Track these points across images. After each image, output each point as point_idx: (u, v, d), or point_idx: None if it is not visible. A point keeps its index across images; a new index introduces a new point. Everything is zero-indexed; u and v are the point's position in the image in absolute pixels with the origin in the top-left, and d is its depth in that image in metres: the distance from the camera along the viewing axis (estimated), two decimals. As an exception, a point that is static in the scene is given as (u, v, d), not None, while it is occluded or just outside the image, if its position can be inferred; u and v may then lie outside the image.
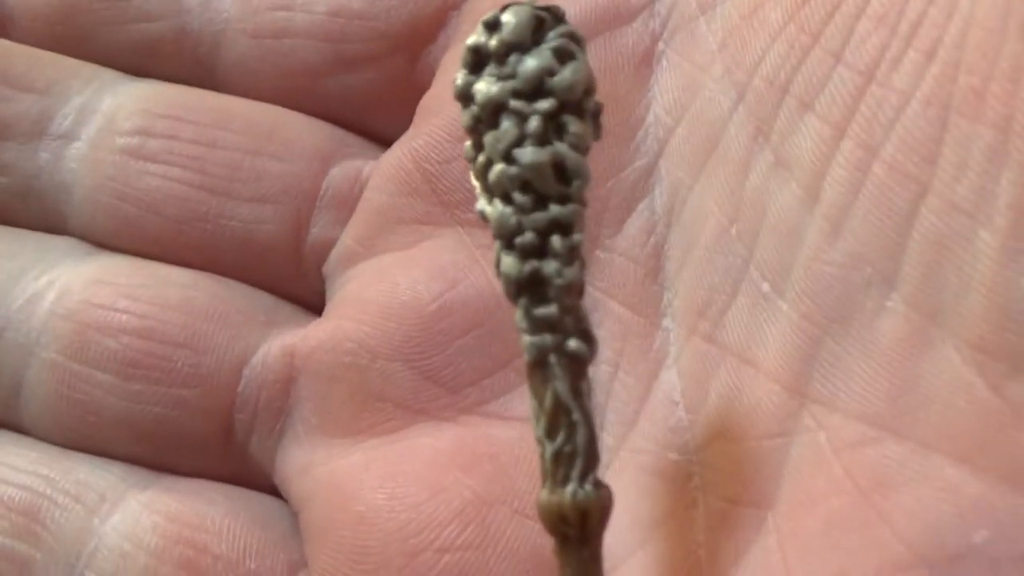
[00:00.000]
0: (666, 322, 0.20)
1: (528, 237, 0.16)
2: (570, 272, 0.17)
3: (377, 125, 0.24)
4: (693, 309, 0.19)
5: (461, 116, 0.17)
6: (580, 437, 0.16)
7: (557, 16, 0.17)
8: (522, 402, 0.20)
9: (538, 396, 0.17)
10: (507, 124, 0.17)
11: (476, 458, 0.20)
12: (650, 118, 0.21)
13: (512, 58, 0.17)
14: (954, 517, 0.15)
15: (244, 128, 0.24)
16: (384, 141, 0.24)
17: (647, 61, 0.21)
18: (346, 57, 0.24)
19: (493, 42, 0.17)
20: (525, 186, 0.16)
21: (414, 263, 0.22)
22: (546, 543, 0.19)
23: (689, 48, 0.21)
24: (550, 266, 0.16)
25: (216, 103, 0.24)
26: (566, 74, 0.17)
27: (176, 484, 0.22)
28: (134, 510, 0.21)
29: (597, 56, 0.21)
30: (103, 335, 0.22)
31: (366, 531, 0.20)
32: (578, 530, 0.16)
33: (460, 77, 0.17)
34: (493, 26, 0.17)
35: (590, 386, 0.17)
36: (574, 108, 0.17)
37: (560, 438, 0.16)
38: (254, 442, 0.22)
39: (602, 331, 0.20)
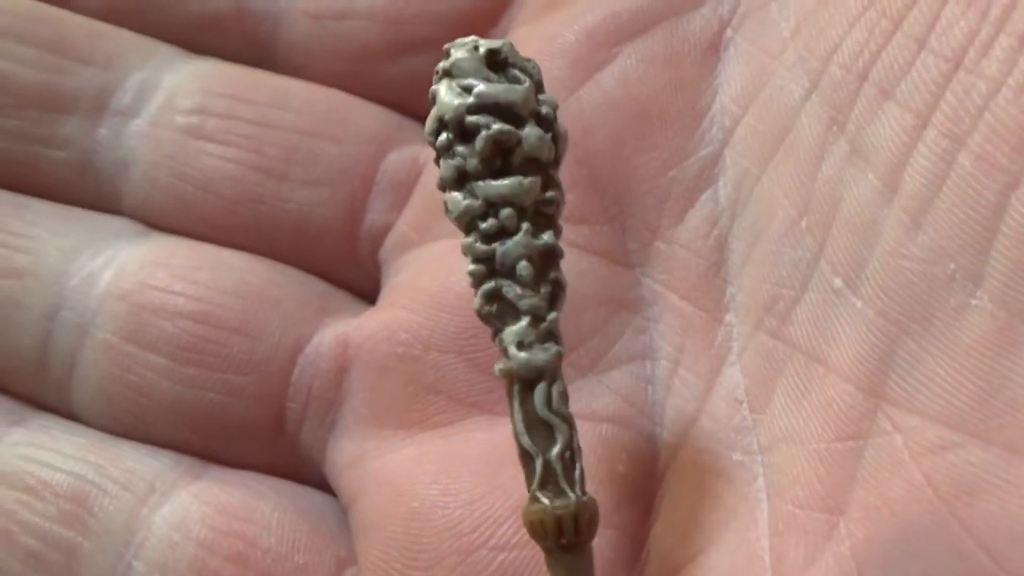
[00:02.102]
0: (729, 317, 0.19)
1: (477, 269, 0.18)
2: (529, 303, 0.18)
3: None
4: (759, 304, 0.19)
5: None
6: (559, 447, 0.17)
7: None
8: (579, 397, 0.20)
9: (519, 411, 0.17)
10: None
11: None
12: (716, 106, 0.20)
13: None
14: None
15: (302, 109, 0.23)
16: (443, 127, 0.24)
17: (714, 48, 0.21)
18: (406, 40, 0.24)
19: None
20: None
21: None
22: (603, 545, 0.19)
23: (759, 35, 0.20)
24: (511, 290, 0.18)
25: (274, 83, 0.24)
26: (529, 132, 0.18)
27: (226, 476, 0.21)
28: (184, 501, 0.21)
29: (662, 42, 0.21)
30: (159, 317, 0.22)
31: (419, 527, 0.19)
32: (556, 539, 0.17)
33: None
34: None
35: (564, 388, 0.17)
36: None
37: (543, 449, 0.17)
38: (305, 432, 0.22)
39: (661, 325, 0.20)
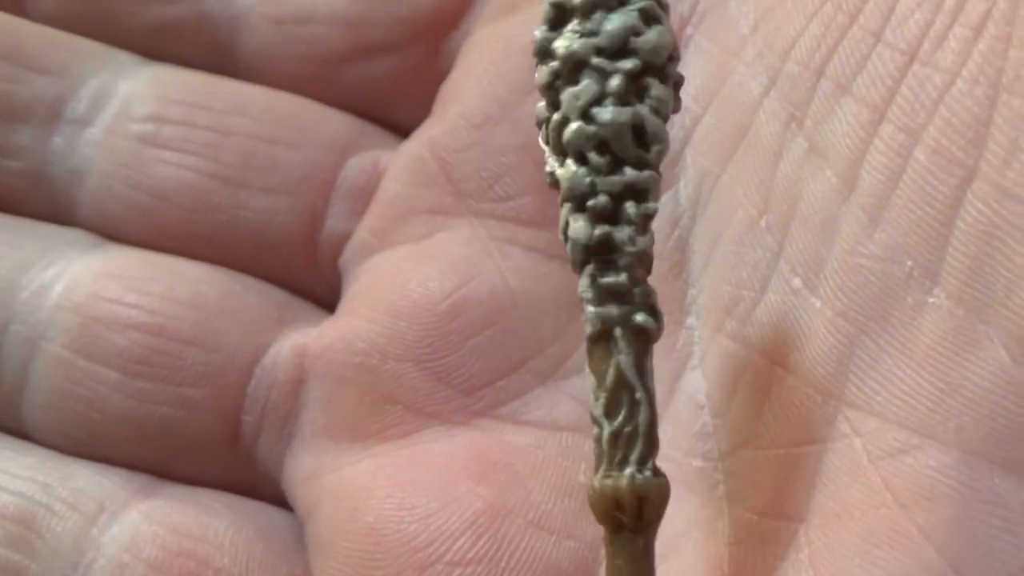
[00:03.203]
0: (690, 320, 0.19)
1: (601, 200, 0.16)
2: (643, 241, 0.16)
3: (398, 114, 0.24)
4: (719, 306, 0.18)
5: (537, 73, 0.16)
6: (642, 418, 0.16)
7: None
8: (539, 406, 0.19)
9: (598, 372, 0.16)
10: (588, 81, 0.16)
11: (489, 466, 0.19)
12: None
13: (596, 15, 0.16)
14: (1003, 533, 0.14)
15: (260, 116, 0.23)
16: (405, 130, 0.23)
17: None
18: (367, 44, 0.23)
19: None
20: (602, 147, 0.16)
21: (427, 257, 0.21)
22: (562, 557, 0.18)
23: (719, 32, 0.20)
24: (622, 232, 0.16)
25: (232, 89, 0.23)
26: (651, 36, 0.16)
27: (179, 493, 0.21)
28: (134, 520, 0.20)
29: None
30: (111, 330, 0.21)
31: (374, 543, 0.19)
32: (634, 518, 0.15)
33: (539, 32, 0.16)
34: None
35: (652, 366, 0.16)
36: (657, 71, 0.16)
37: (620, 418, 0.16)
38: (261, 445, 0.21)
39: None
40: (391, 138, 0.23)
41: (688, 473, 0.18)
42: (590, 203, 0.16)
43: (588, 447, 0.19)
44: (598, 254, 0.16)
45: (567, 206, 0.16)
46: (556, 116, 0.16)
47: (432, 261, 0.21)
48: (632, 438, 0.16)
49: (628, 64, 0.16)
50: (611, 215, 0.16)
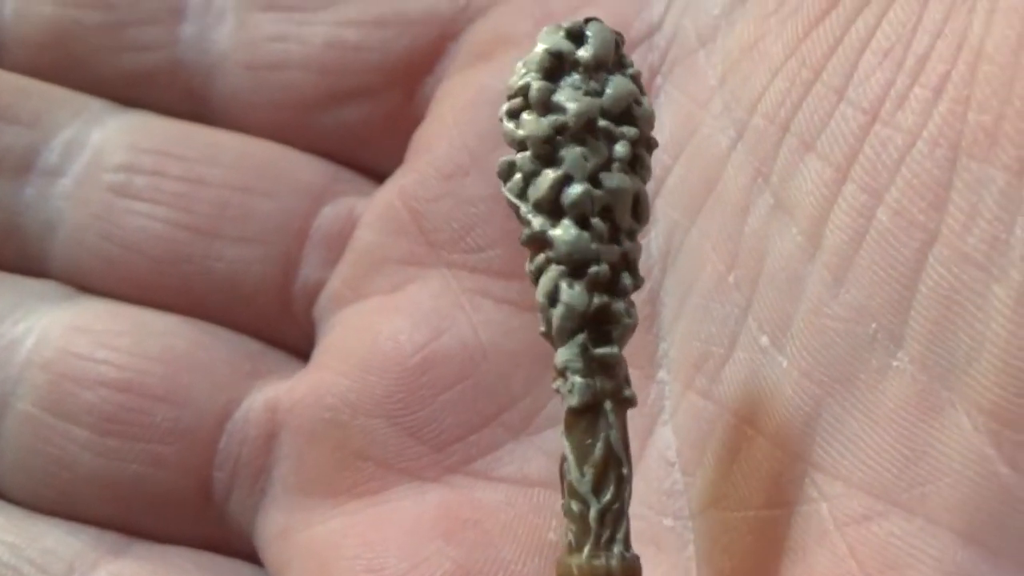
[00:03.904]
0: (661, 374, 0.19)
1: (604, 269, 0.15)
2: (635, 313, 0.16)
3: (373, 159, 0.23)
4: (689, 361, 0.18)
5: (529, 123, 0.16)
6: (627, 494, 0.15)
7: (624, 41, 0.17)
8: (510, 460, 0.19)
9: (583, 446, 0.15)
10: (599, 143, 0.16)
11: (460, 525, 0.19)
12: None
13: (599, 75, 0.16)
14: None
15: (233, 164, 0.23)
16: (380, 176, 0.23)
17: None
18: (342, 90, 0.23)
19: (583, 53, 0.16)
20: (605, 212, 0.16)
21: (398, 309, 0.21)
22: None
23: (688, 83, 0.20)
24: (619, 304, 0.16)
25: (205, 137, 0.23)
26: (647, 106, 0.16)
27: (148, 552, 0.21)
28: None
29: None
30: (80, 387, 0.21)
31: None
32: None
33: (535, 80, 0.16)
34: (577, 36, 0.16)
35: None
36: (647, 142, 0.16)
37: (609, 495, 0.15)
38: (234, 502, 0.21)
39: None
40: (366, 183, 0.23)
41: (659, 531, 0.18)
42: (592, 270, 0.15)
43: (559, 504, 0.19)
44: (594, 323, 0.15)
45: (558, 269, 0.16)
46: (554, 173, 0.16)
47: (403, 313, 0.21)
48: (619, 515, 0.15)
49: (631, 132, 0.16)
50: (610, 285, 0.15)
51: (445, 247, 0.21)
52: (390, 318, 0.21)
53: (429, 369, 0.20)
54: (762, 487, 0.16)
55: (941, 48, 0.15)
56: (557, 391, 0.16)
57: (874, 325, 0.16)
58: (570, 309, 0.15)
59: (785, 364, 0.17)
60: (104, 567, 0.20)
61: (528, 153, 0.16)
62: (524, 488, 0.19)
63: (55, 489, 0.21)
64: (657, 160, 0.19)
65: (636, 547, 0.18)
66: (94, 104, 0.24)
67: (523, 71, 0.16)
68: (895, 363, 0.15)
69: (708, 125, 0.19)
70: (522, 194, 0.16)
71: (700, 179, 0.19)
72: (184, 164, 0.23)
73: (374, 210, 0.22)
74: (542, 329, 0.16)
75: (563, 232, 0.15)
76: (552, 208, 0.16)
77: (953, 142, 0.15)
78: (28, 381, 0.21)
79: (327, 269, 0.22)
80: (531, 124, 0.16)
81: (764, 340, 0.17)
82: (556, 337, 0.16)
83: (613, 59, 0.16)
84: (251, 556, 0.21)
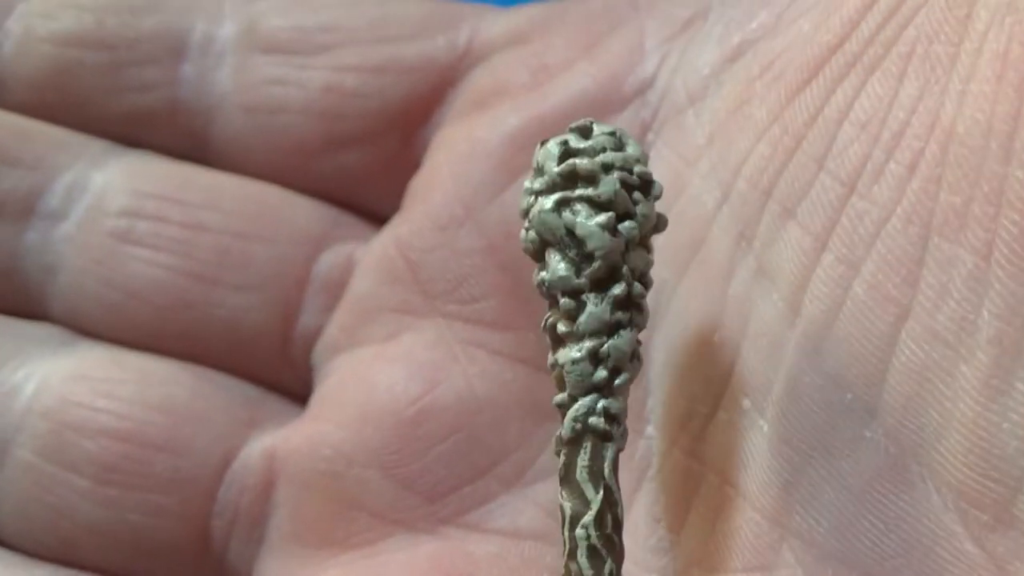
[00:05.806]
0: (649, 429, 0.19)
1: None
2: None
3: (372, 204, 0.24)
4: (675, 419, 0.18)
5: (606, 183, 0.17)
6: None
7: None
8: (503, 513, 0.20)
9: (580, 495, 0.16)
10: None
11: None
12: None
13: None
14: None
15: (234, 209, 0.23)
16: (379, 220, 0.23)
17: None
18: (340, 135, 0.23)
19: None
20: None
21: (393, 360, 0.21)
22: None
23: (677, 141, 0.20)
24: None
25: (206, 181, 0.23)
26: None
27: None
28: None
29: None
30: (80, 436, 0.21)
31: None
32: None
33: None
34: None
35: None
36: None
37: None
38: (232, 551, 0.21)
39: None
40: (366, 227, 0.23)
41: None
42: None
43: (549, 557, 0.19)
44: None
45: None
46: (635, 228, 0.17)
47: (398, 364, 0.21)
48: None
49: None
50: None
51: (439, 297, 0.21)
52: (386, 368, 0.21)
53: (424, 421, 0.20)
54: (741, 550, 0.17)
55: (916, 125, 0.16)
56: None
57: (850, 395, 0.16)
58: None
59: (766, 428, 0.17)
60: None
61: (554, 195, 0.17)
62: (516, 541, 0.19)
63: (55, 537, 0.21)
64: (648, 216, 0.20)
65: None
66: (95, 145, 0.24)
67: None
68: (868, 434, 0.16)
69: (695, 185, 0.19)
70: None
71: (687, 238, 0.19)
72: (185, 209, 0.23)
73: (371, 258, 0.22)
74: None
75: None
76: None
77: (925, 220, 0.15)
78: (29, 429, 0.21)
79: (326, 315, 0.23)
80: (606, 184, 0.17)
81: (746, 403, 0.17)
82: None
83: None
84: None
